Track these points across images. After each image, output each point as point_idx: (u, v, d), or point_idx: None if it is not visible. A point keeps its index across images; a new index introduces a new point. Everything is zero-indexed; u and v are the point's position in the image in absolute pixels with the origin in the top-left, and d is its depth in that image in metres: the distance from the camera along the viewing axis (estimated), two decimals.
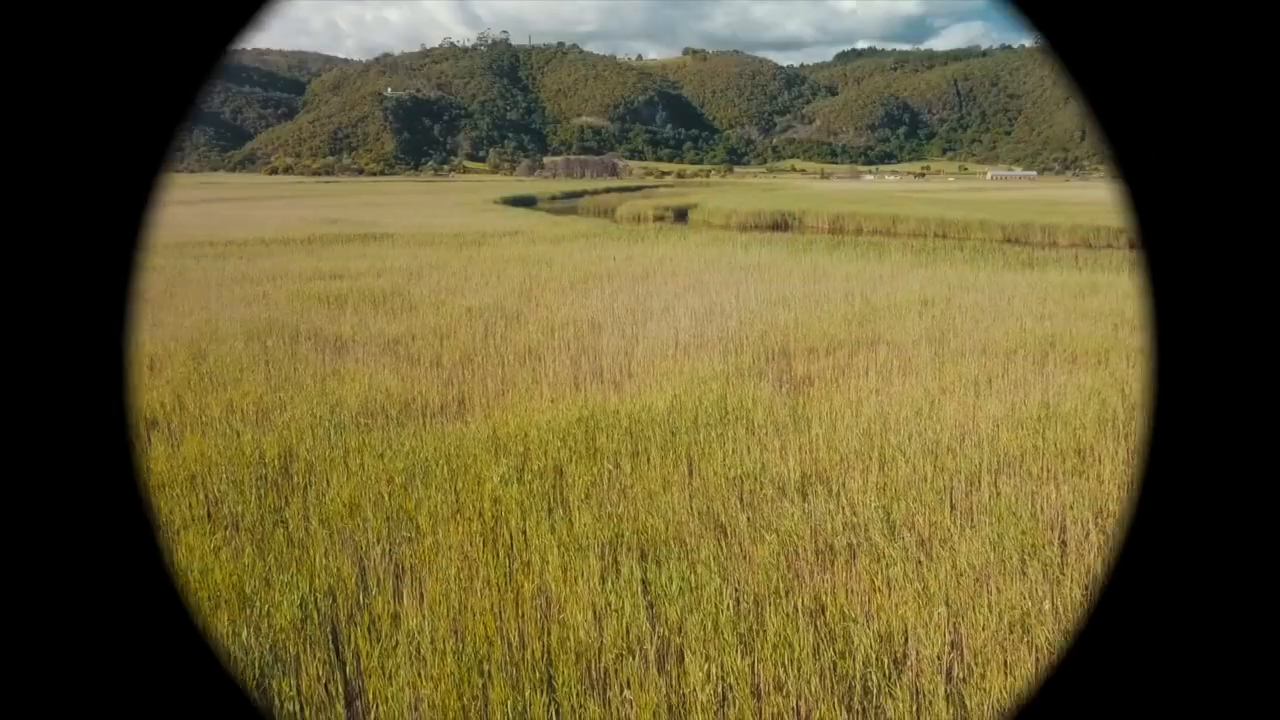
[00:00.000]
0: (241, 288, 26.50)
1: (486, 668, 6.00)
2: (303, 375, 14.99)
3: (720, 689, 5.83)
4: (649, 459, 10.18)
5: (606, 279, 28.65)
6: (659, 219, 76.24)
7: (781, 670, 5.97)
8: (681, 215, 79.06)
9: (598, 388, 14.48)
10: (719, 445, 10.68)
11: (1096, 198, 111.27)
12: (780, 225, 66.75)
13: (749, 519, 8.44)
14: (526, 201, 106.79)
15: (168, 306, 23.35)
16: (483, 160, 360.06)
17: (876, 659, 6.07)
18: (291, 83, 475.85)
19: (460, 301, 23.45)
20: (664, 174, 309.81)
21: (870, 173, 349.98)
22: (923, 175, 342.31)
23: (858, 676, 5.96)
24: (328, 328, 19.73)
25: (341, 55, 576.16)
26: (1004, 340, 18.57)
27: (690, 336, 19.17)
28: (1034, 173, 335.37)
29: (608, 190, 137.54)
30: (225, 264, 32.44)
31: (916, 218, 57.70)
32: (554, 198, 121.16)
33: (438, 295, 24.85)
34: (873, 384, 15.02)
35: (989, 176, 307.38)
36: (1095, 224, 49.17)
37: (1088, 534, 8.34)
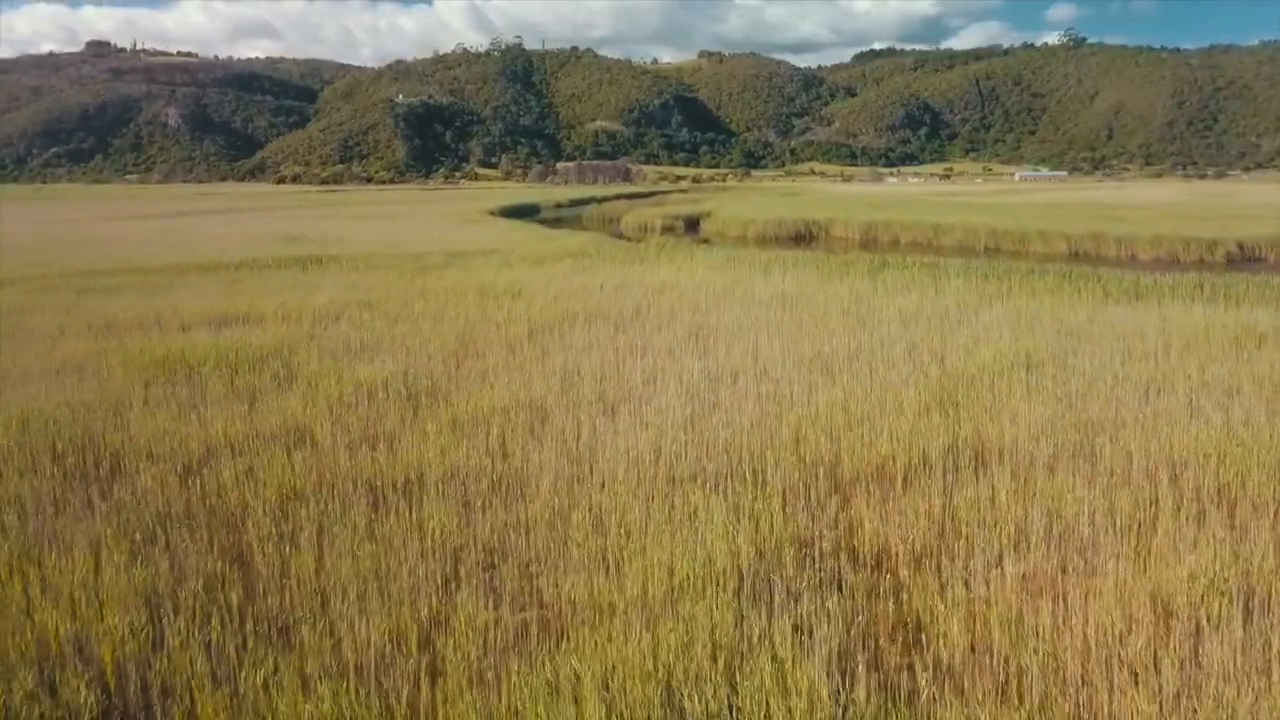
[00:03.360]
0: (86, 344, 19.61)
1: None
2: None
3: None
4: None
5: (583, 322, 21.59)
6: (667, 229, 69.03)
7: None
8: (693, 225, 71.83)
9: (488, 601, 7.33)
10: None
11: (1150, 199, 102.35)
12: (804, 236, 59.44)
13: None
14: (529, 211, 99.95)
15: None
16: (495, 166, 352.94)
17: None
18: (304, 90, 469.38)
19: (358, 370, 16.40)
20: (679, 178, 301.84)
21: (893, 174, 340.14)
22: (947, 176, 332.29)
23: None
24: (123, 429, 12.74)
25: (356, 63, 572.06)
26: (1197, 452, 11.28)
27: (683, 445, 12.02)
28: (1064, 173, 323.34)
29: (617, 197, 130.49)
30: (105, 302, 25.67)
31: (962, 227, 50.04)
32: (559, 205, 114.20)
33: (336, 356, 17.85)
34: (1019, 588, 7.83)
35: (1017, 177, 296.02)
36: (1179, 234, 41.49)
37: None
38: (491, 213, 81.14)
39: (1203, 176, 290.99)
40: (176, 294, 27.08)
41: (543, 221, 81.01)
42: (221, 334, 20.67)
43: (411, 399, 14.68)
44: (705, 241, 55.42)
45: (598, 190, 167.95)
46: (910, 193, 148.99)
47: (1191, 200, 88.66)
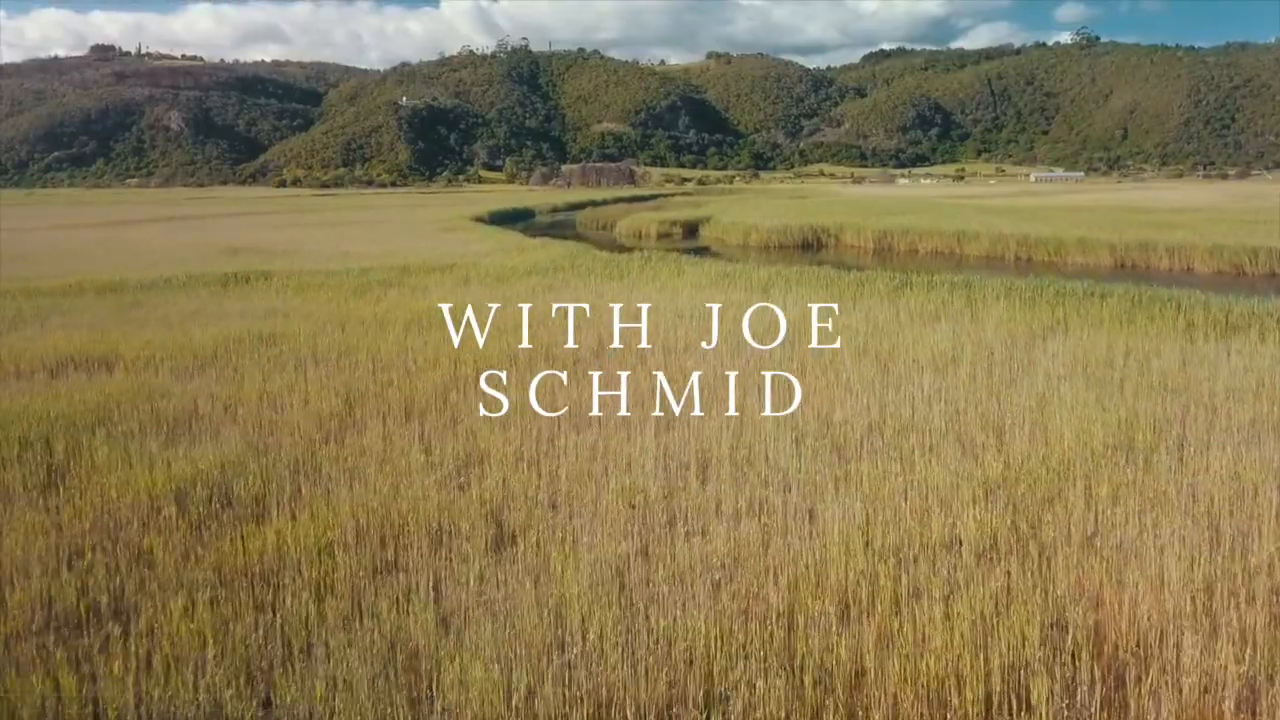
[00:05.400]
0: None
1: None
2: None
3: None
4: None
5: (522, 368, 16.66)
6: (663, 236, 64.04)
7: None
8: (693, 230, 66.82)
9: None
10: None
11: (1184, 202, 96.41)
12: (811, 244, 54.35)
13: None
14: (521, 216, 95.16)
15: None
16: (500, 169, 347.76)
17: None
18: (309, 94, 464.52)
19: (168, 459, 11.49)
20: (685, 180, 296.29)
21: (904, 176, 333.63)
22: (960, 178, 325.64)
23: None
24: None
25: (363, 66, 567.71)
26: None
27: (595, 639, 7.07)
28: (1079, 173, 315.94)
29: (617, 200, 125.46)
30: None
31: (989, 235, 44.76)
32: (555, 210, 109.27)
33: (157, 431, 12.95)
34: None
35: (1033, 179, 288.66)
36: (1242, 243, 36.22)
37: None
38: (480, 219, 76.21)
39: (1224, 177, 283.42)
40: (46, 322, 22.30)
41: (536, 227, 76.17)
42: (53, 386, 15.83)
43: (209, 518, 9.76)
44: (705, 249, 50.42)
45: (597, 194, 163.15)
46: (924, 195, 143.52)
47: (1230, 203, 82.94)
